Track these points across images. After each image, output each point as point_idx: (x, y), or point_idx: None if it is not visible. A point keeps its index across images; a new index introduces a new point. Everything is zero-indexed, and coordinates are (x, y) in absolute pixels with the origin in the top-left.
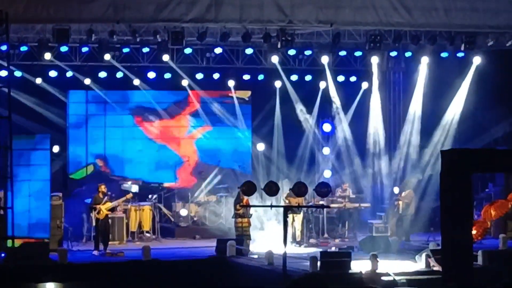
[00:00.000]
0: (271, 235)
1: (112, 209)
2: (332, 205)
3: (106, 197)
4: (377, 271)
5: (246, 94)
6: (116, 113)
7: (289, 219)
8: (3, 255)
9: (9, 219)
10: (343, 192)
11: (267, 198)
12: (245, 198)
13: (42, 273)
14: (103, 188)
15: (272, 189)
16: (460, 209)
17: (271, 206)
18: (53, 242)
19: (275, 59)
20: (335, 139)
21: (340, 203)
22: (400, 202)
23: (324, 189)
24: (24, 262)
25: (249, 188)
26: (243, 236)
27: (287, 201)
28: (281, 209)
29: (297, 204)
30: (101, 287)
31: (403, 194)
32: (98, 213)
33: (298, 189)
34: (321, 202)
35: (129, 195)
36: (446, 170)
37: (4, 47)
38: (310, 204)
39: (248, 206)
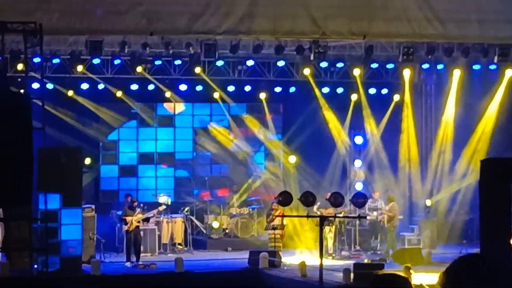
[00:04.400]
0: (303, 247)
1: (145, 220)
2: (367, 217)
3: (138, 209)
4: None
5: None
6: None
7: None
8: (36, 266)
9: None
10: (374, 202)
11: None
12: (279, 209)
13: (75, 285)
14: (129, 199)
15: (308, 199)
16: (499, 218)
17: (308, 216)
18: (86, 254)
19: (307, 71)
20: (366, 151)
21: (372, 216)
22: (385, 216)
23: (360, 199)
24: (57, 274)
25: (285, 199)
26: (275, 248)
27: (318, 213)
28: (311, 222)
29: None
30: None
31: (387, 207)
32: (129, 224)
33: (335, 199)
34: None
35: (162, 207)
36: (485, 179)
37: (37, 59)
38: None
39: (282, 216)
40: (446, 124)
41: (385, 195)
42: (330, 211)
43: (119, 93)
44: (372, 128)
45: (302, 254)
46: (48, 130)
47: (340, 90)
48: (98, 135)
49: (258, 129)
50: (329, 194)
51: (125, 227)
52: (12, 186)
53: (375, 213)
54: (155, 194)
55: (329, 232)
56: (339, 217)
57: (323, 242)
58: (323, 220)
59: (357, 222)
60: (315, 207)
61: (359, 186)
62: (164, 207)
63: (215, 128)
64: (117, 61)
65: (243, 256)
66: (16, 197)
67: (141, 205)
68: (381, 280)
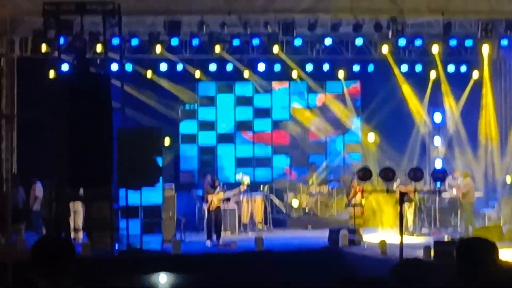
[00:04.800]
0: (383, 225)
1: (225, 200)
2: (445, 193)
3: (218, 188)
4: None
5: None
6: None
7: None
8: (117, 246)
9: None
10: (454, 180)
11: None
12: (358, 186)
13: (156, 264)
14: (210, 178)
15: (388, 174)
16: None
17: (387, 191)
18: (167, 233)
19: (385, 49)
20: (446, 129)
21: (451, 193)
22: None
23: (440, 174)
24: (138, 253)
25: (365, 174)
26: (355, 226)
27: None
28: (391, 199)
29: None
30: (215, 278)
31: (462, 183)
32: (210, 204)
33: (414, 174)
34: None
35: (243, 187)
36: None
37: (116, 40)
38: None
39: (362, 192)
40: None
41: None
42: (410, 188)
43: (197, 73)
44: (451, 105)
45: (382, 231)
46: (128, 111)
47: (418, 67)
48: (177, 115)
49: (337, 108)
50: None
51: (206, 207)
52: (92, 166)
53: (454, 190)
54: (235, 173)
55: (409, 209)
56: (418, 191)
57: (403, 220)
58: (403, 197)
59: (437, 199)
60: (394, 185)
61: (438, 164)
62: (245, 186)
63: (296, 108)
64: (195, 41)
65: (323, 235)
66: (97, 177)
67: (222, 184)
68: (468, 243)
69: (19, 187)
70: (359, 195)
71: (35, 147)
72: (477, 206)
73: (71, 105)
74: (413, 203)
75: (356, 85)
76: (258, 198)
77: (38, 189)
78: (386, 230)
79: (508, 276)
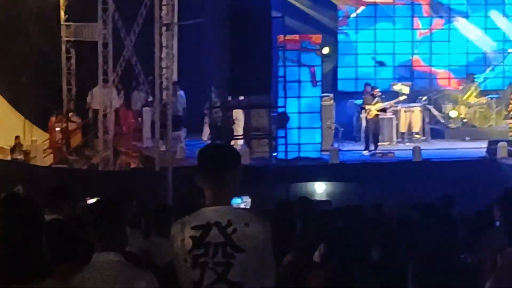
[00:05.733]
0: None
1: (383, 110)
2: None
3: (377, 98)
4: None
5: None
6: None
7: None
8: (275, 154)
9: None
10: None
11: None
12: None
13: (314, 173)
14: (369, 88)
15: None
16: None
17: None
18: (325, 143)
19: None
20: None
21: None
22: None
23: None
24: (297, 161)
25: None
26: None
27: None
28: None
29: None
30: (372, 187)
31: None
32: (368, 113)
33: None
34: None
35: (402, 97)
36: None
37: None
38: None
39: None
40: None
41: None
42: None
43: None
44: None
45: None
46: (288, 19)
47: None
48: (336, 24)
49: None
50: None
51: (364, 116)
52: (252, 74)
53: None
54: (392, 83)
55: None
56: None
57: None
58: None
59: None
60: None
61: None
62: (404, 96)
63: None
64: None
65: (481, 146)
66: (256, 85)
67: (380, 94)
68: None
69: (179, 93)
70: None
71: (195, 54)
72: None
73: (231, 13)
74: None
75: None
76: (416, 108)
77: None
78: None
79: None
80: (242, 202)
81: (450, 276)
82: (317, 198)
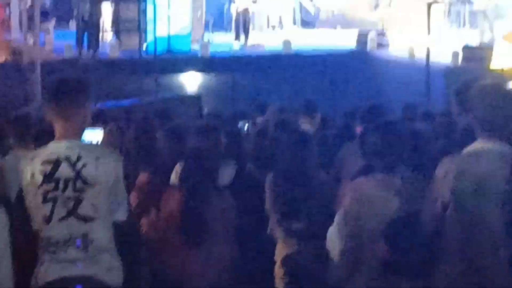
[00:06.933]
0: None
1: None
2: None
3: None
4: None
5: None
6: None
7: None
8: (144, 48)
9: None
10: None
11: None
12: None
13: (184, 64)
14: None
15: None
16: None
17: None
18: (194, 34)
19: None
20: None
21: None
22: None
23: None
24: (166, 55)
25: None
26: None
27: None
28: None
29: None
30: (242, 80)
31: None
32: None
33: None
34: None
35: None
36: None
37: None
38: None
39: None
40: None
41: None
42: None
43: None
44: None
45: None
46: None
47: None
48: None
49: None
50: None
51: (234, 7)
52: None
53: None
54: None
55: None
56: None
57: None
58: None
59: None
60: None
61: None
62: None
63: None
64: None
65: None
66: None
67: None
68: None
69: None
70: None
71: None
72: None
73: None
74: None
75: None
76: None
77: None
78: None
79: None
80: (94, 133)
81: (307, 192)
82: (187, 91)
